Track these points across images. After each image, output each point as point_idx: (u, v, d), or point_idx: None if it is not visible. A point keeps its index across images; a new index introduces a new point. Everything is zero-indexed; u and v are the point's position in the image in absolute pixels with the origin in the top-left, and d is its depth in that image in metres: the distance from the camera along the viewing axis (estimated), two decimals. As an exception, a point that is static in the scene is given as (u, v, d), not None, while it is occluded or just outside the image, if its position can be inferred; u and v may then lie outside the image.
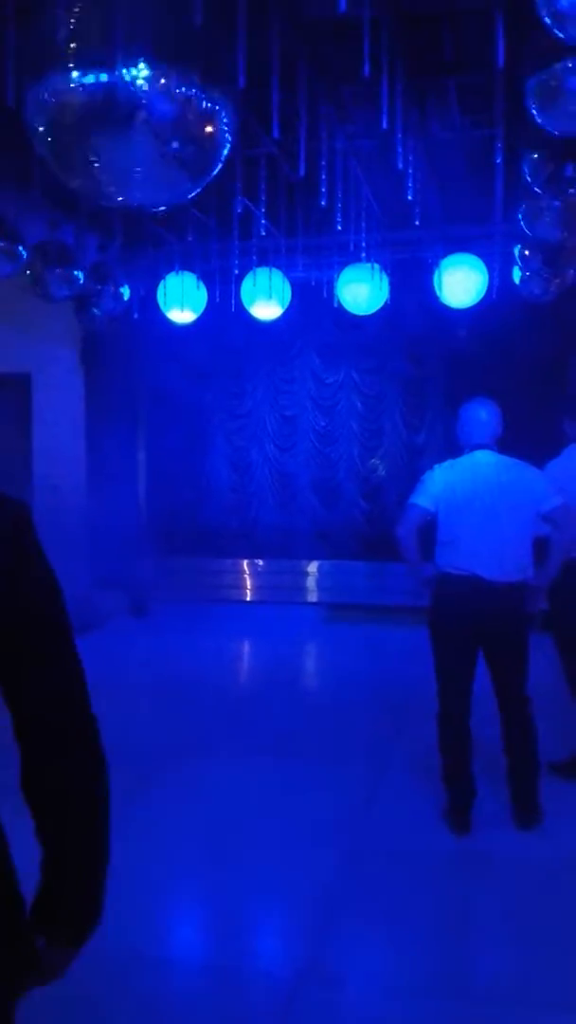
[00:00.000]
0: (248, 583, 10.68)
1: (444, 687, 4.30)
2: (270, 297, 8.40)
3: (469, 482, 4.27)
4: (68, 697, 1.39)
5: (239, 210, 6.46)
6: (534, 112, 4.30)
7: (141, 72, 3.47)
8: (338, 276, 8.75)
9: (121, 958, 3.13)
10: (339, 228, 6.77)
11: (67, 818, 1.38)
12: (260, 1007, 3.00)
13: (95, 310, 8.68)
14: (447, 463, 4.44)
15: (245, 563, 10.74)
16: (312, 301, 9.18)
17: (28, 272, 7.40)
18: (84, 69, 3.49)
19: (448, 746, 4.28)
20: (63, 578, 1.42)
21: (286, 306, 8.66)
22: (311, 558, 11.16)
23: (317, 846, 4.18)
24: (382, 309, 8.91)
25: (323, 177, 5.95)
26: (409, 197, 6.05)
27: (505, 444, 4.49)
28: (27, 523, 1.38)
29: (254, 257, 8.39)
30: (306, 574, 10.57)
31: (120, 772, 4.88)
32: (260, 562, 10.86)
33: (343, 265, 8.63)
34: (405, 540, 4.29)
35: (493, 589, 4.15)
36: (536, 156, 5.08)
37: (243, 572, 10.71)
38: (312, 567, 10.59)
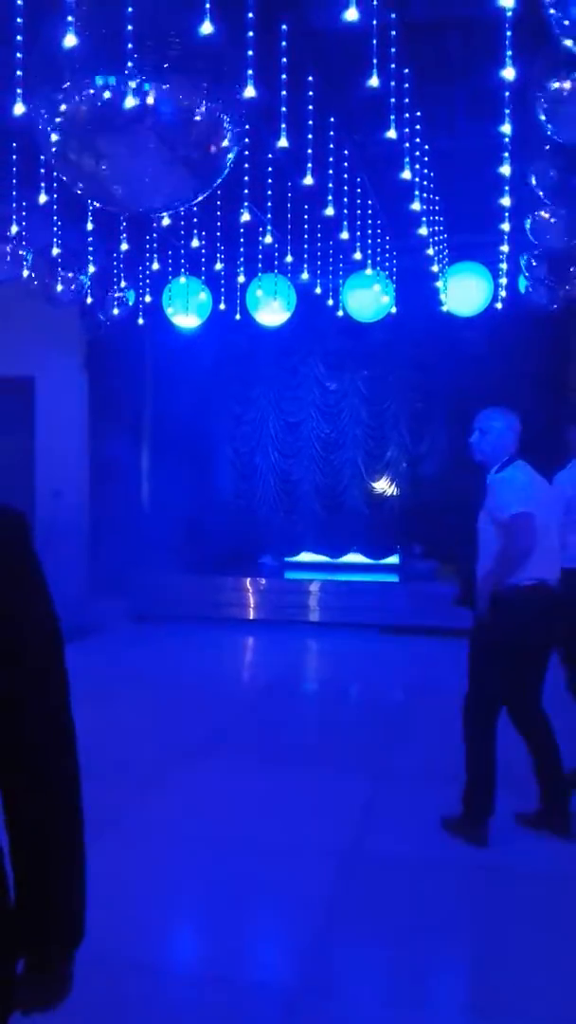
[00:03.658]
0: (251, 600, 10.64)
1: (514, 700, 4.26)
2: (275, 296, 8.41)
3: (539, 488, 4.24)
4: (48, 712, 1.37)
5: (246, 217, 6.46)
6: (542, 121, 4.31)
7: (150, 79, 3.49)
8: (343, 283, 8.76)
9: (118, 967, 3.10)
10: (345, 236, 6.76)
11: (35, 832, 1.36)
12: (259, 1017, 2.97)
13: (100, 315, 8.69)
14: (517, 467, 4.20)
15: (248, 581, 10.71)
16: (317, 308, 9.19)
17: (33, 276, 7.42)
18: (93, 76, 3.52)
19: (492, 758, 4.21)
20: (63, 583, 1.40)
21: (292, 312, 8.68)
22: (312, 573, 11.16)
23: (316, 854, 4.15)
24: (387, 317, 8.92)
25: (330, 185, 5.95)
26: (416, 205, 6.05)
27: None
28: (23, 534, 1.36)
29: (259, 264, 8.40)
30: (308, 593, 10.54)
31: (119, 779, 4.86)
32: (263, 581, 10.84)
33: (349, 273, 8.65)
34: (528, 553, 4.05)
35: (553, 593, 4.16)
36: (543, 165, 5.08)
37: (245, 590, 10.68)
38: (314, 587, 10.56)
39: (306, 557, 12.00)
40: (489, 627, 4.10)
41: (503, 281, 8.33)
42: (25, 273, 7.35)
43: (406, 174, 5.45)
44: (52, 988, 1.37)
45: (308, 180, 5.44)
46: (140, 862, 4.02)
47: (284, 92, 4.51)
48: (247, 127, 4.18)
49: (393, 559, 11.74)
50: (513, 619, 4.05)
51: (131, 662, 8.59)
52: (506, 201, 5.66)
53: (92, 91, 3.53)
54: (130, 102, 3.46)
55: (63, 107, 3.60)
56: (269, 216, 6.68)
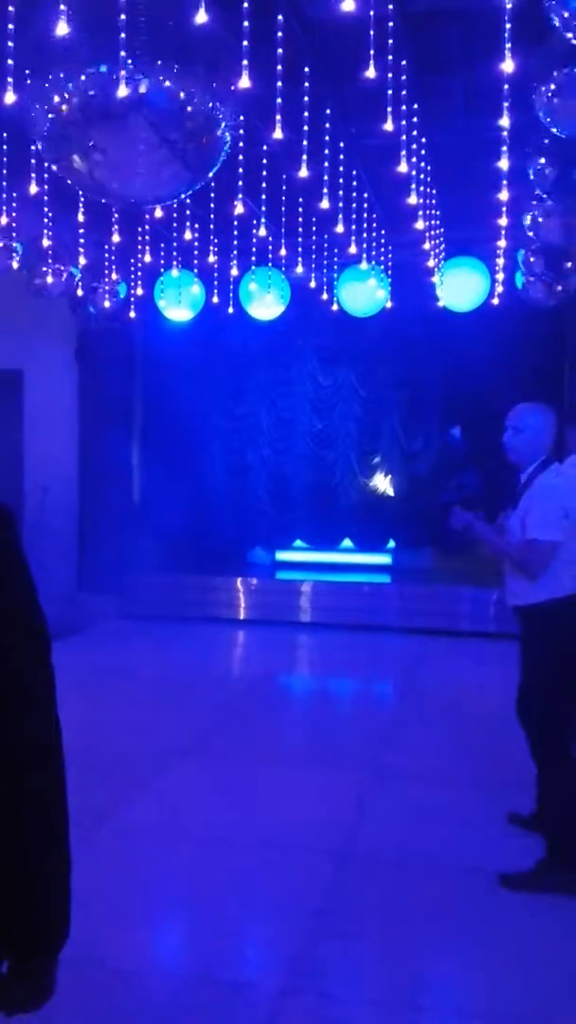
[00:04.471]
0: (241, 600, 10.57)
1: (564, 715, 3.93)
2: (268, 289, 8.36)
3: None
4: (33, 711, 1.35)
5: (240, 209, 6.39)
6: (542, 115, 4.25)
7: (143, 69, 3.42)
8: (338, 278, 8.70)
9: (103, 967, 3.07)
10: (340, 229, 6.70)
11: (19, 834, 1.33)
12: (245, 1018, 2.93)
13: (90, 308, 8.61)
14: (556, 472, 3.95)
15: (238, 581, 10.65)
16: (311, 303, 9.12)
17: (23, 268, 7.34)
18: (86, 66, 3.44)
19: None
20: (51, 579, 1.37)
21: (286, 306, 8.61)
22: (304, 573, 11.11)
23: (306, 853, 4.12)
24: (382, 312, 8.86)
25: (325, 177, 5.88)
26: (412, 199, 5.99)
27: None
28: (8, 529, 1.34)
29: (253, 257, 8.33)
30: (299, 593, 10.48)
31: (106, 777, 4.82)
32: (254, 581, 10.78)
33: (343, 267, 8.58)
34: (534, 577, 3.88)
35: None
36: (542, 160, 5.03)
37: (236, 590, 10.61)
38: (305, 587, 10.51)
39: (298, 556, 11.92)
40: (547, 639, 3.88)
41: (500, 276, 8.27)
42: (15, 265, 7.26)
43: (403, 167, 5.38)
44: (35, 990, 1.36)
45: (303, 172, 5.37)
46: (128, 861, 3.99)
47: (279, 83, 4.42)
48: (242, 118, 4.11)
49: (386, 559, 11.71)
50: (566, 628, 3.86)
51: (119, 660, 8.53)
52: (504, 196, 5.59)
53: (84, 81, 3.46)
54: (123, 92, 3.39)
55: (55, 97, 3.53)
56: (263, 209, 6.60)
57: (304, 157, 5.26)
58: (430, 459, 11.28)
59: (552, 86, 4.11)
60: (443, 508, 4.11)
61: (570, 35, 3.66)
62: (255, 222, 6.80)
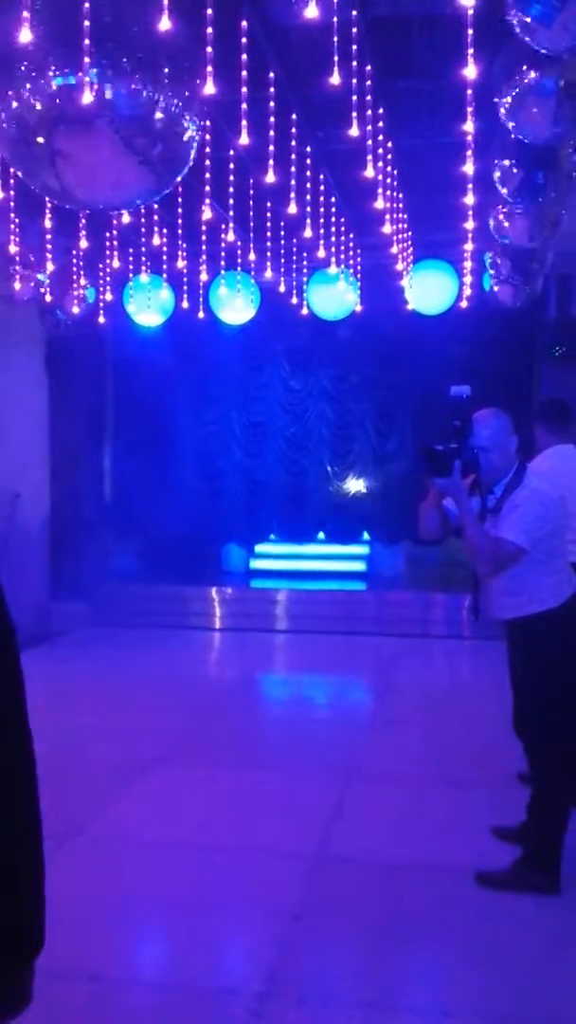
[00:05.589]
0: (216, 608, 10.54)
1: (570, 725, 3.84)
2: (237, 292, 8.37)
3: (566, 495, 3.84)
4: (1, 722, 1.33)
5: (207, 214, 6.39)
6: (504, 119, 4.30)
7: (108, 75, 3.42)
8: (307, 282, 8.72)
9: (80, 975, 3.05)
10: (308, 234, 6.72)
11: None
12: (224, 1024, 2.93)
13: (59, 313, 8.57)
14: (537, 477, 3.77)
15: (213, 590, 10.62)
16: (281, 307, 9.14)
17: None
18: (50, 72, 3.44)
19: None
20: (23, 586, 1.35)
21: (256, 310, 8.63)
22: (278, 581, 11.11)
23: (283, 857, 4.11)
24: (352, 315, 8.89)
25: (292, 182, 5.90)
26: (379, 203, 6.02)
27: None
28: None
29: (222, 261, 8.34)
30: (274, 602, 10.46)
31: (81, 785, 4.79)
32: (228, 589, 10.76)
33: (312, 271, 8.61)
34: (488, 576, 3.79)
35: None
36: (507, 163, 5.08)
37: (211, 598, 10.58)
38: (280, 595, 10.50)
39: (272, 564, 11.92)
40: (539, 652, 3.77)
41: (468, 279, 8.34)
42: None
43: (369, 171, 5.40)
44: (8, 1000, 1.31)
45: (270, 177, 5.38)
46: (103, 868, 3.97)
47: (245, 89, 4.44)
48: (207, 124, 4.12)
49: (360, 566, 11.75)
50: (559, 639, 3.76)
51: (92, 668, 8.47)
52: (470, 199, 5.64)
53: (49, 87, 3.46)
54: (87, 98, 3.39)
55: (19, 103, 3.52)
56: (231, 213, 6.61)
57: (271, 162, 5.27)
58: (402, 460, 11.31)
59: (515, 91, 4.16)
60: (435, 455, 3.73)
61: (530, 40, 3.71)
62: (223, 227, 6.80)
